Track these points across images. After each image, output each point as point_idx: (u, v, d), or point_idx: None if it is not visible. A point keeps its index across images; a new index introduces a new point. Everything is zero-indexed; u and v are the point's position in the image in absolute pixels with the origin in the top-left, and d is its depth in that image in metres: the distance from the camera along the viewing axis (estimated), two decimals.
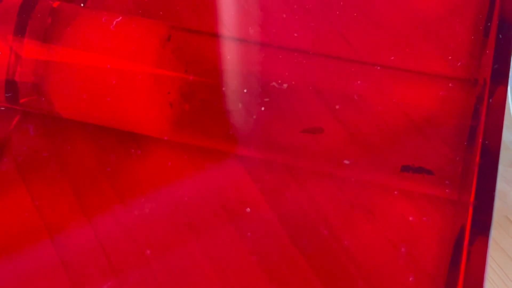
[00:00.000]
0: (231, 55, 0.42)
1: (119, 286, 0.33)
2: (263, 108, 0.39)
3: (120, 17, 0.44)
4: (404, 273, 0.32)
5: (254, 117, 0.39)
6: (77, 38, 0.43)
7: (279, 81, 0.40)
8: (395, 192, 0.35)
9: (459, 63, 0.41)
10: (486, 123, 0.37)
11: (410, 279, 0.32)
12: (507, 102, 0.38)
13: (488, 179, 0.34)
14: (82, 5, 0.46)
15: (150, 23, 0.44)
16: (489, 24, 0.42)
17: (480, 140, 0.36)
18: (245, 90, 0.40)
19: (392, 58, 0.41)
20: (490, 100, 0.38)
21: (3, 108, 0.41)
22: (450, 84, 0.39)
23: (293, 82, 0.40)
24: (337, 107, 0.39)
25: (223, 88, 0.40)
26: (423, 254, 0.33)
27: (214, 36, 0.44)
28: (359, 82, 0.40)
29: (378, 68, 0.40)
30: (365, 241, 0.34)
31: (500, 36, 0.40)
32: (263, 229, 0.35)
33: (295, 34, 0.43)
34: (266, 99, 0.39)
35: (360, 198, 0.35)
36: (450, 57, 0.41)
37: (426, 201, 0.35)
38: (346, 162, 0.36)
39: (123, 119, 0.40)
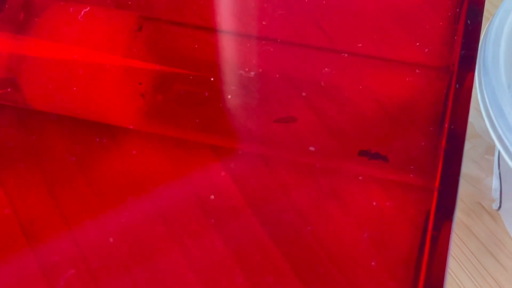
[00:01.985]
0: (201, 44, 0.42)
1: (83, 272, 0.33)
2: (229, 96, 0.39)
3: (88, 7, 0.43)
4: (368, 257, 0.32)
5: (221, 105, 0.39)
6: (46, 29, 0.43)
7: (246, 69, 0.40)
8: (360, 178, 0.35)
9: (431, 50, 0.41)
10: (452, 108, 0.37)
11: (373, 263, 0.32)
12: (474, 88, 0.38)
13: (453, 164, 0.34)
14: None
15: (120, 13, 0.44)
16: (458, 10, 0.42)
17: (447, 126, 0.36)
18: (212, 79, 0.40)
19: (360, 45, 0.41)
20: (457, 86, 0.38)
21: None
22: (421, 71, 0.39)
23: (260, 70, 0.40)
24: (304, 94, 0.38)
25: (191, 78, 0.40)
26: (389, 239, 0.33)
27: (186, 26, 0.44)
28: (326, 69, 0.39)
29: (346, 55, 0.40)
30: (334, 226, 0.34)
31: (469, 22, 0.40)
32: (234, 217, 0.35)
33: (263, 22, 0.42)
34: (233, 87, 0.39)
35: (330, 185, 0.35)
36: (422, 45, 0.41)
37: (395, 187, 0.35)
38: (312, 148, 0.36)
39: (95, 110, 0.40)
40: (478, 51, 0.39)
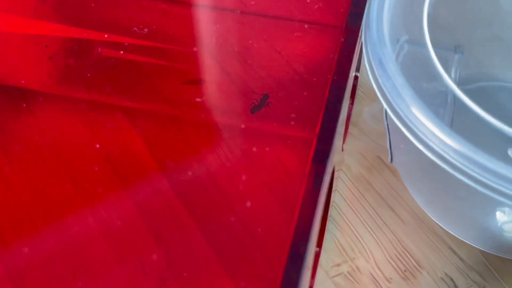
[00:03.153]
0: (108, 6, 0.43)
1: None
2: (122, 53, 0.40)
3: None
4: (246, 200, 0.33)
5: (114, 62, 0.39)
6: None
7: (140, 26, 0.41)
8: (243, 126, 0.36)
9: (321, 8, 0.42)
10: (337, 61, 0.38)
11: (248, 204, 0.33)
12: (358, 44, 0.39)
13: (332, 113, 0.36)
14: None
15: None
16: None
17: (331, 77, 0.37)
18: (106, 35, 0.41)
19: (253, 2, 0.42)
20: (342, 40, 0.39)
21: None
22: (310, 27, 0.40)
23: (154, 27, 0.41)
24: (195, 49, 0.39)
25: (106, 36, 0.40)
26: (264, 184, 0.34)
27: None
28: (218, 25, 0.40)
29: (238, 12, 0.41)
30: (240, 177, 0.35)
31: None
32: (143, 176, 0.35)
33: None
34: (127, 45, 0.40)
35: (237, 139, 0.36)
36: (313, 1, 0.42)
37: (275, 136, 0.36)
38: (198, 100, 0.37)
39: (3, 74, 0.40)
40: (365, 7, 0.41)
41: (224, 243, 0.32)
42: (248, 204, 0.33)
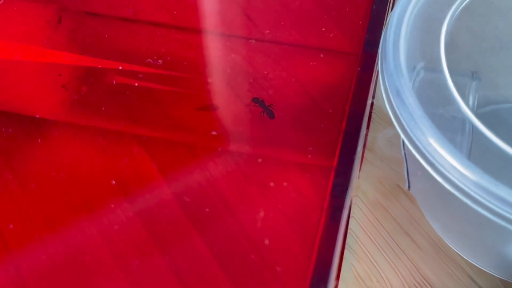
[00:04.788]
0: (117, 35, 0.43)
1: (11, 261, 0.34)
2: (136, 84, 0.39)
3: (2, 0, 0.43)
4: (263, 236, 0.33)
5: (128, 93, 0.39)
6: None
7: (155, 57, 0.40)
8: (259, 160, 0.36)
9: (336, 35, 0.41)
10: (354, 90, 0.38)
11: (266, 241, 0.33)
12: (375, 71, 0.39)
13: (350, 144, 0.35)
14: None
15: (35, 6, 0.44)
16: None
17: (348, 107, 0.37)
18: (120, 67, 0.40)
19: (268, 31, 0.42)
20: (359, 69, 0.39)
21: None
22: (325, 56, 0.40)
23: (168, 58, 0.40)
24: (209, 80, 0.39)
25: (120, 68, 0.40)
26: (284, 218, 0.34)
27: (107, 17, 0.45)
28: (233, 55, 0.40)
29: (253, 42, 0.41)
30: (258, 213, 0.35)
31: (374, 7, 0.41)
32: (160, 206, 0.35)
33: (175, 12, 0.43)
34: (140, 75, 0.40)
35: (254, 173, 0.36)
36: (327, 30, 0.42)
37: (293, 168, 0.35)
38: (214, 133, 0.37)
39: (17, 103, 0.40)
40: (382, 35, 0.40)
41: (244, 280, 0.31)
42: (267, 242, 0.32)
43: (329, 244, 0.32)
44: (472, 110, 0.38)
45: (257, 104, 0.37)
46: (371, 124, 0.53)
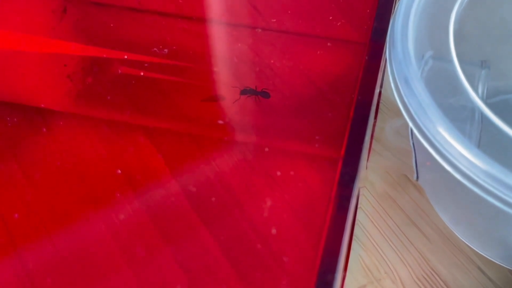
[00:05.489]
0: (122, 25, 0.42)
1: (16, 252, 0.33)
2: (142, 73, 0.39)
3: None
4: (270, 226, 0.33)
5: (133, 82, 0.39)
6: None
7: (160, 47, 0.40)
8: (266, 149, 0.35)
9: (344, 24, 0.41)
10: (362, 79, 0.38)
11: (273, 231, 0.32)
12: (383, 60, 0.38)
13: (358, 133, 0.35)
14: None
15: None
16: None
17: (355, 96, 0.36)
18: (125, 57, 0.40)
19: (274, 20, 0.41)
20: (366, 57, 0.38)
21: None
22: (333, 44, 0.40)
23: (174, 47, 0.40)
24: (215, 69, 0.39)
25: (126, 57, 0.40)
26: (290, 207, 0.33)
27: (112, 7, 0.44)
28: (239, 45, 0.40)
29: (259, 30, 0.41)
30: (265, 204, 0.34)
31: None
32: (166, 197, 0.35)
33: (180, 1, 0.43)
34: (146, 65, 0.39)
35: (260, 164, 0.36)
36: (334, 19, 0.41)
37: (300, 158, 0.35)
38: (220, 122, 0.37)
39: (22, 94, 0.40)
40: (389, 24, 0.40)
41: (250, 271, 0.31)
42: (274, 231, 0.32)
43: (336, 234, 0.31)
44: (482, 99, 0.38)
45: (247, 95, 0.36)
46: (379, 114, 0.53)
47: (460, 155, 0.33)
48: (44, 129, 0.37)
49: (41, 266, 0.32)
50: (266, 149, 0.35)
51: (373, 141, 0.51)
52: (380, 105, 0.53)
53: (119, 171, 0.35)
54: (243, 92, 0.37)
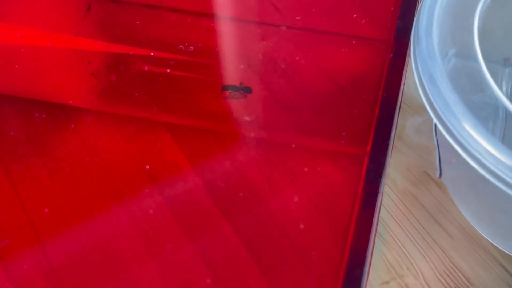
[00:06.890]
0: (147, 22, 0.43)
1: (41, 247, 0.34)
2: (168, 70, 0.39)
3: None
4: (298, 221, 0.33)
5: (160, 79, 0.39)
6: None
7: (186, 44, 0.40)
8: (293, 145, 0.35)
9: (368, 22, 0.41)
10: (386, 77, 0.38)
11: (301, 226, 0.33)
12: (407, 58, 0.39)
13: (384, 130, 0.35)
14: None
15: None
16: None
17: (380, 94, 0.37)
18: (152, 54, 0.40)
19: (299, 18, 0.42)
20: (391, 55, 0.38)
21: None
22: (357, 42, 0.40)
23: (199, 45, 0.40)
24: (242, 66, 0.39)
25: (152, 54, 0.40)
26: (317, 204, 0.34)
27: (135, 5, 0.45)
28: (264, 42, 0.40)
29: (284, 28, 0.41)
30: (290, 200, 0.34)
31: None
32: (188, 194, 0.35)
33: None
34: (172, 61, 0.39)
35: (283, 161, 0.36)
36: (359, 16, 0.41)
37: (326, 155, 0.35)
38: (247, 118, 0.37)
39: (47, 90, 0.40)
40: (414, 22, 0.40)
41: (277, 268, 0.31)
42: (301, 226, 0.32)
43: (364, 230, 0.31)
44: (506, 96, 0.38)
45: (230, 93, 0.37)
46: (401, 112, 0.53)
47: (486, 152, 0.34)
48: (73, 126, 0.38)
49: (66, 260, 0.32)
50: (293, 146, 0.35)
51: (395, 138, 0.51)
52: (402, 102, 0.53)
53: (148, 167, 0.35)
54: (225, 88, 0.37)
